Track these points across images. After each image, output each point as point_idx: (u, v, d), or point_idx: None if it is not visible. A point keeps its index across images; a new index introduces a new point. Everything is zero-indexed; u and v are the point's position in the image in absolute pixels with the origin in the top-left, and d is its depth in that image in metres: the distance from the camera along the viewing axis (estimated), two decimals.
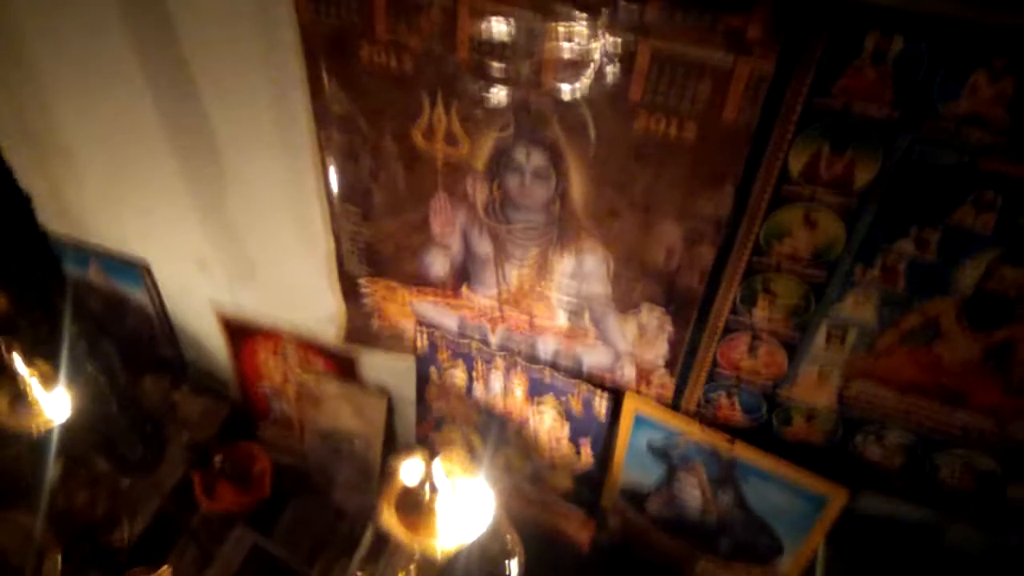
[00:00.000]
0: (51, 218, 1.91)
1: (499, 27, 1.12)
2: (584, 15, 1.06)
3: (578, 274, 1.41)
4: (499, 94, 1.20)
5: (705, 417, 1.53)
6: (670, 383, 1.51)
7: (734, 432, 1.51)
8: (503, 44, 1.14)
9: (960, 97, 0.96)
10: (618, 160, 1.20)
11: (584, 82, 1.13)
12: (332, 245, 1.56)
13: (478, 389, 1.74)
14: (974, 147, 0.99)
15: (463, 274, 1.52)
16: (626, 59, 1.08)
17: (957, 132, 0.99)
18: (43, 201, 1.88)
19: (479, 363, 1.68)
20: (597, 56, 1.09)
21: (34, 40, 1.49)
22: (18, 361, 1.56)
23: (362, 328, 1.73)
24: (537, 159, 1.26)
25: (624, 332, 1.46)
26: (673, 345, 1.44)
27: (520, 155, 1.27)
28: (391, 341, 1.74)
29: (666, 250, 1.29)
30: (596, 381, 1.58)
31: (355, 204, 1.47)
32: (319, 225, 1.54)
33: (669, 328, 1.41)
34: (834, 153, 1.07)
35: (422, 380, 1.80)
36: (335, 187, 1.46)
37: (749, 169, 1.13)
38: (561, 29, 1.09)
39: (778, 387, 1.41)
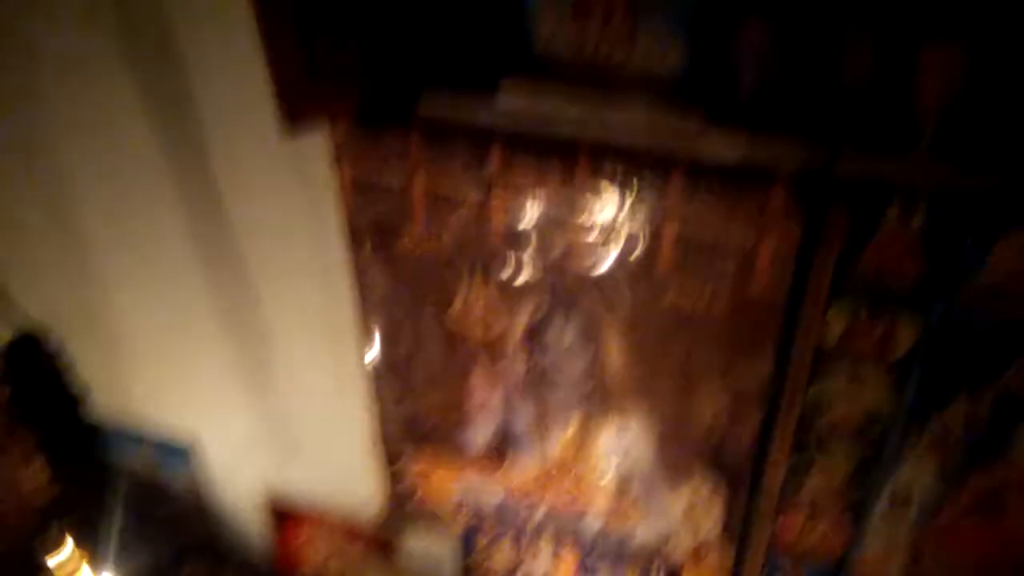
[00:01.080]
0: (105, 406, 1.96)
1: (529, 214, 1.18)
2: (610, 199, 1.12)
3: (620, 445, 1.38)
4: (534, 269, 1.24)
5: None
6: (727, 559, 1.42)
7: None
8: (534, 228, 1.19)
9: (992, 257, 0.96)
10: (652, 331, 1.21)
11: (613, 260, 1.17)
12: (374, 422, 1.57)
13: (524, 569, 1.66)
14: (1015, 305, 0.98)
15: (505, 448, 1.50)
16: (652, 238, 1.12)
17: (995, 292, 0.98)
18: (100, 391, 1.94)
19: (524, 541, 1.61)
20: (624, 236, 1.14)
21: (96, 232, 1.61)
22: (70, 546, 1.57)
23: (403, 506, 1.69)
24: (572, 332, 1.28)
25: (673, 506, 1.40)
26: (727, 516, 1.36)
27: (555, 329, 1.29)
28: (433, 519, 1.69)
29: (709, 419, 1.26)
30: (647, 558, 1.49)
31: (397, 381, 1.49)
32: (361, 403, 1.55)
33: (721, 497, 1.35)
34: (872, 316, 1.07)
35: (463, 564, 1.72)
36: (378, 365, 1.49)
37: (787, 333, 1.12)
38: (588, 212, 1.15)
39: (843, 563, 1.31)
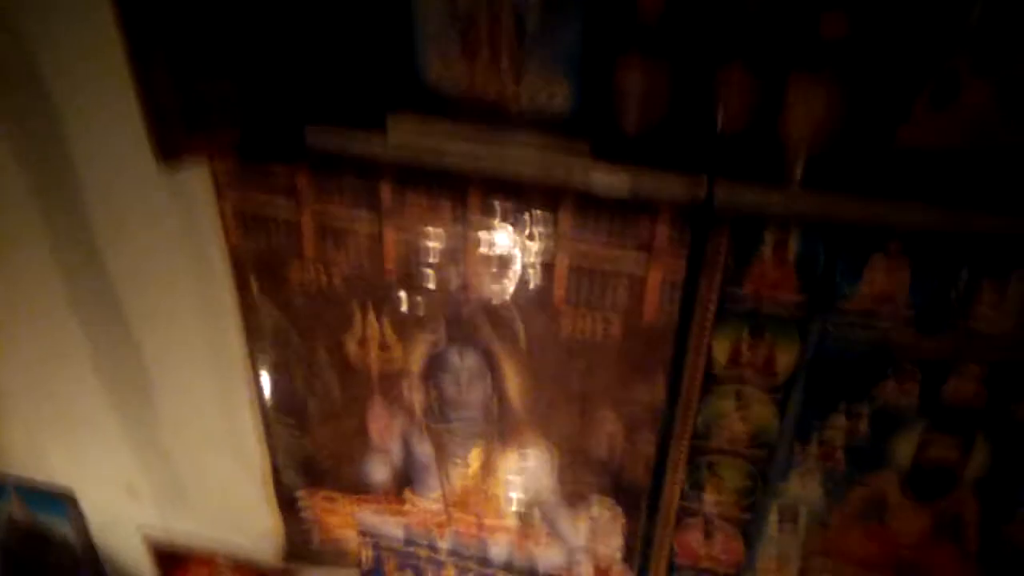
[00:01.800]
0: None
1: (424, 244, 1.17)
2: (503, 231, 1.12)
3: (523, 470, 1.38)
4: (429, 302, 1.23)
5: None
6: None
7: None
8: (429, 258, 1.18)
9: (862, 281, 1.02)
10: (550, 356, 1.22)
11: (509, 287, 1.17)
12: (267, 460, 1.51)
13: None
14: (885, 325, 1.04)
15: (405, 479, 1.47)
16: (546, 269, 1.13)
17: (867, 312, 1.04)
18: None
19: (429, 573, 1.59)
20: (519, 264, 1.14)
21: None
22: None
23: (302, 544, 1.63)
24: (471, 360, 1.27)
25: (576, 527, 1.41)
26: (628, 537, 1.39)
27: (454, 357, 1.28)
28: (334, 556, 1.63)
29: (608, 439, 1.28)
30: None
31: (290, 416, 1.44)
32: (253, 440, 1.49)
33: (621, 519, 1.37)
34: (754, 340, 1.11)
35: None
36: (269, 400, 1.43)
37: (677, 358, 1.16)
38: (483, 241, 1.14)
39: (740, 575, 1.36)
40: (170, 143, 1.10)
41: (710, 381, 1.16)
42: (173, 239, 1.27)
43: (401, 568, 1.60)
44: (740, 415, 1.18)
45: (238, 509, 1.63)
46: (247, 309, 1.32)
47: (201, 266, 1.29)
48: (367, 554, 1.59)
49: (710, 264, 1.06)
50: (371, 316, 1.27)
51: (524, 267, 1.13)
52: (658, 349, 1.15)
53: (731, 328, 1.11)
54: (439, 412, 1.36)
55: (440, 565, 1.55)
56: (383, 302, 1.25)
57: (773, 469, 1.22)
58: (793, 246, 1.02)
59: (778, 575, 1.33)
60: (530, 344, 1.21)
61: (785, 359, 1.11)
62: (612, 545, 1.41)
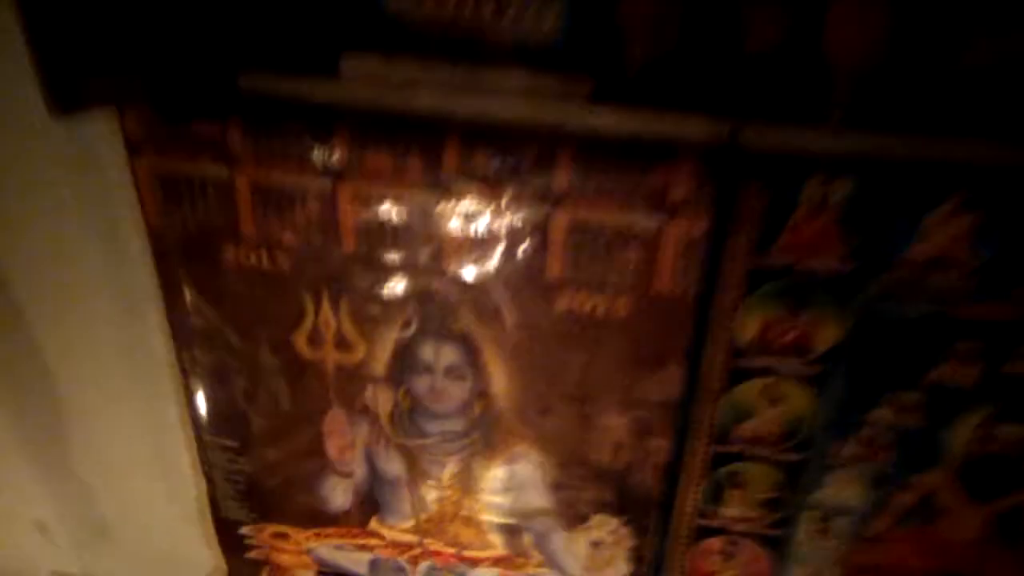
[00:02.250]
0: None
1: (388, 212, 0.96)
2: (487, 187, 0.92)
3: (511, 487, 1.17)
4: (396, 286, 1.02)
5: None
6: None
7: None
8: (395, 229, 0.97)
9: (920, 238, 0.85)
10: (543, 347, 1.02)
11: (493, 263, 0.97)
12: (203, 489, 1.26)
13: None
14: (943, 293, 0.87)
15: (370, 504, 1.24)
16: (539, 233, 0.93)
17: (922, 279, 0.87)
18: None
19: None
20: (504, 233, 0.94)
21: None
22: None
23: None
24: (448, 355, 1.06)
25: (574, 552, 1.20)
26: (636, 561, 1.19)
27: (427, 353, 1.07)
28: None
29: (612, 447, 1.08)
30: None
31: (229, 434, 1.20)
32: (186, 466, 1.25)
33: (627, 542, 1.17)
34: (790, 315, 0.93)
35: None
36: (203, 416, 1.19)
37: (696, 343, 0.97)
38: (460, 208, 0.94)
39: None
40: (65, 88, 0.89)
41: (734, 369, 0.97)
42: (77, 218, 1.03)
43: None
44: (770, 410, 0.99)
45: (171, 549, 1.37)
46: (172, 304, 1.09)
47: (113, 251, 1.06)
48: None
49: (737, 222, 0.88)
50: (325, 306, 1.05)
51: (511, 234, 0.94)
52: (675, 325, 0.96)
53: (762, 301, 0.92)
54: (410, 422, 1.14)
55: None
56: (340, 288, 1.03)
57: (807, 474, 1.04)
58: (837, 197, 0.85)
59: None
60: (520, 332, 1.01)
61: (826, 337, 0.94)
62: (616, 571, 1.20)
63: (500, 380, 1.06)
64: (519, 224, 0.93)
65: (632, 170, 0.87)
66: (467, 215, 0.94)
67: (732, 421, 1.01)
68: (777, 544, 1.11)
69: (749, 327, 0.94)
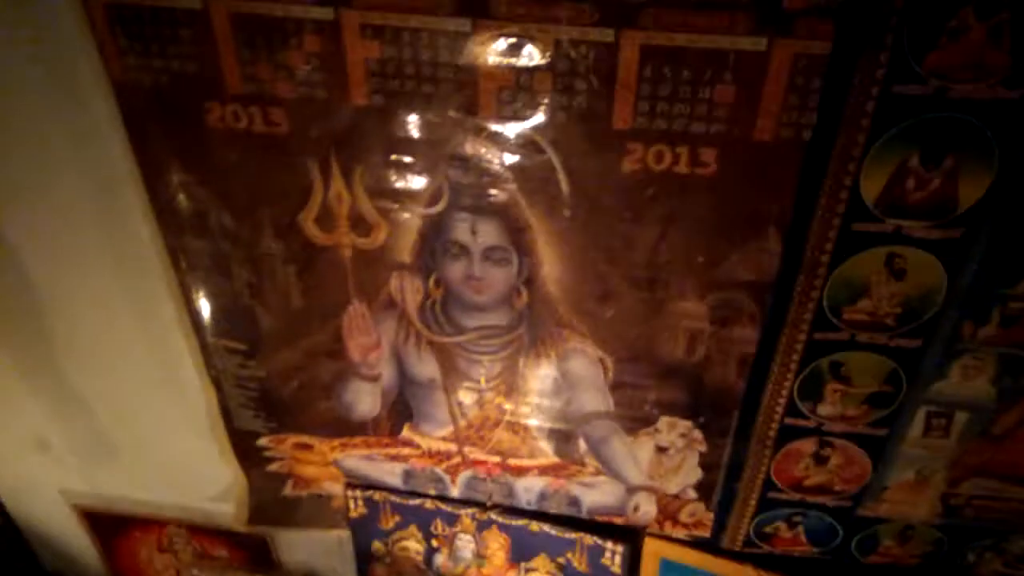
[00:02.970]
0: None
1: (408, 47, 0.75)
2: (531, 11, 0.70)
3: (563, 388, 1.00)
4: (422, 149, 0.82)
5: (759, 556, 1.12)
6: (707, 517, 1.09)
7: (800, 571, 1.10)
8: (418, 71, 0.76)
9: None
10: (606, 220, 0.82)
11: (544, 112, 0.76)
12: (213, 399, 1.12)
13: (440, 560, 1.28)
14: None
15: (402, 410, 1.09)
16: (603, 67, 0.72)
17: None
18: None
19: (439, 525, 1.23)
20: (560, 69, 0.73)
21: None
22: None
23: (272, 501, 1.26)
24: (488, 235, 0.87)
25: (636, 458, 1.05)
26: (707, 468, 1.03)
27: (462, 233, 0.88)
28: (314, 513, 1.27)
29: (687, 339, 0.90)
30: (603, 526, 1.15)
31: (235, 336, 1.04)
32: (191, 372, 1.09)
33: (700, 446, 1.01)
34: (926, 166, 0.72)
35: (363, 557, 1.32)
36: (205, 317, 1.03)
37: (802, 205, 0.77)
38: (501, 38, 0.73)
39: (859, 504, 1.02)
40: None
41: (850, 236, 0.78)
42: (30, 73, 0.83)
43: (403, 522, 1.25)
44: (891, 284, 0.80)
45: (184, 463, 1.25)
46: (152, 180, 0.90)
47: (83, 120, 0.86)
48: (357, 508, 1.23)
49: (870, 41, 0.66)
50: (336, 177, 0.86)
51: (570, 62, 0.72)
52: (774, 191, 0.76)
53: (893, 148, 0.72)
54: (444, 316, 0.97)
55: (453, 519, 1.20)
56: (352, 153, 0.84)
57: (927, 362, 0.86)
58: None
59: (913, 501, 1.00)
60: (576, 202, 0.81)
61: (970, 193, 0.73)
62: (685, 479, 1.06)
63: (551, 262, 0.88)
64: (578, 54, 0.71)
65: None
66: (509, 47, 0.73)
67: (841, 300, 0.82)
68: (881, 445, 0.94)
69: (875, 181, 0.74)
